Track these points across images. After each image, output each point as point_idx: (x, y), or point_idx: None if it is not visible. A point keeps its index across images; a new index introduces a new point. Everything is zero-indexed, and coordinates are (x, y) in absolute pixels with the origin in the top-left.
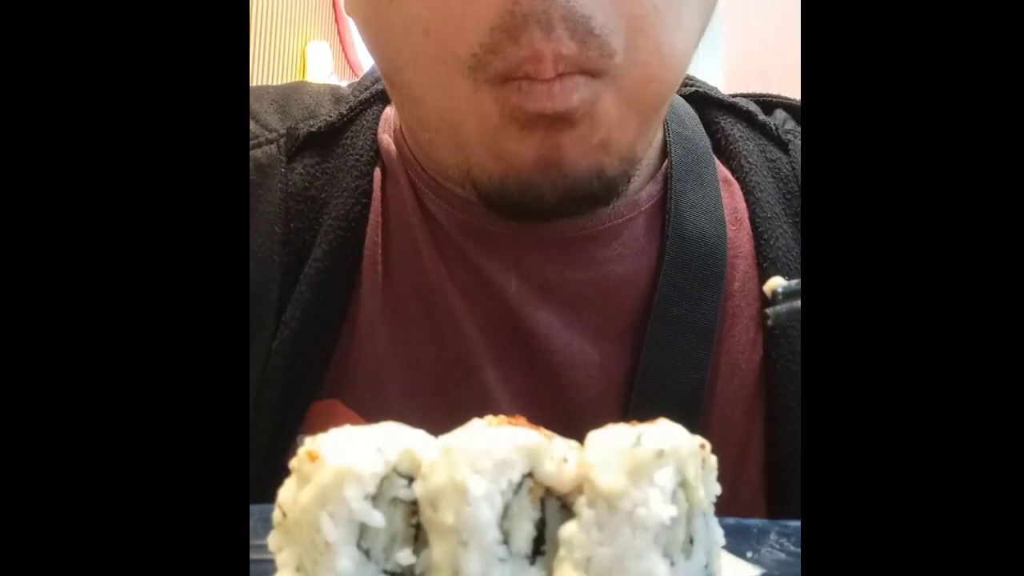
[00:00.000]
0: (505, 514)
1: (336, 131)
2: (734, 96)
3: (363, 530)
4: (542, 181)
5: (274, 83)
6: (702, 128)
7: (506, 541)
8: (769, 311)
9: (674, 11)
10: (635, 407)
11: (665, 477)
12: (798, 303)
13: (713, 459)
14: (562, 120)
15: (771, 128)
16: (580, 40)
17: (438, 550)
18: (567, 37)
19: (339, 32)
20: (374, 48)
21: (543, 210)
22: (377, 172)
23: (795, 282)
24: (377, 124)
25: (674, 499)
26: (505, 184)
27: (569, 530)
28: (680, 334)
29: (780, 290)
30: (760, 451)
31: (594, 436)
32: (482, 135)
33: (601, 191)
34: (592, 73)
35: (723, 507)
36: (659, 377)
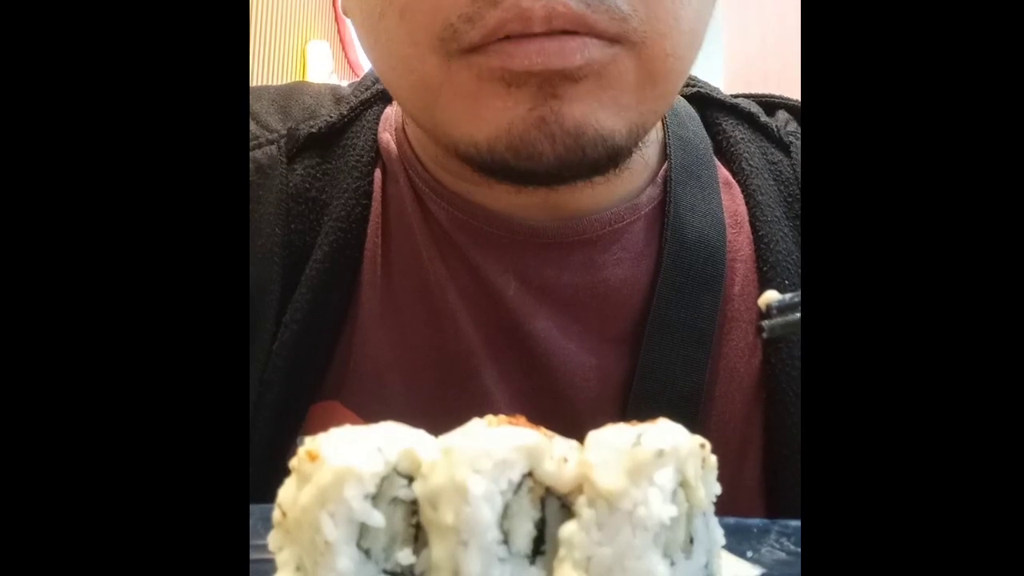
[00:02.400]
0: (505, 514)
1: (337, 131)
2: (736, 97)
3: (363, 530)
4: (537, 136)
5: (274, 83)
6: (703, 129)
7: (506, 541)
8: (764, 324)
9: None
10: (633, 410)
11: (665, 477)
12: (793, 317)
13: (713, 459)
14: (560, 77)
15: (773, 130)
16: (584, 1)
17: (438, 550)
18: None
19: (339, 31)
20: (362, 43)
21: (542, 172)
22: (378, 172)
23: (790, 296)
24: (378, 124)
25: (674, 499)
26: (495, 148)
27: (569, 530)
28: (678, 338)
29: (775, 304)
30: (758, 454)
31: (594, 436)
32: (458, 102)
33: (604, 158)
34: (604, 36)
35: (721, 510)
36: (657, 381)
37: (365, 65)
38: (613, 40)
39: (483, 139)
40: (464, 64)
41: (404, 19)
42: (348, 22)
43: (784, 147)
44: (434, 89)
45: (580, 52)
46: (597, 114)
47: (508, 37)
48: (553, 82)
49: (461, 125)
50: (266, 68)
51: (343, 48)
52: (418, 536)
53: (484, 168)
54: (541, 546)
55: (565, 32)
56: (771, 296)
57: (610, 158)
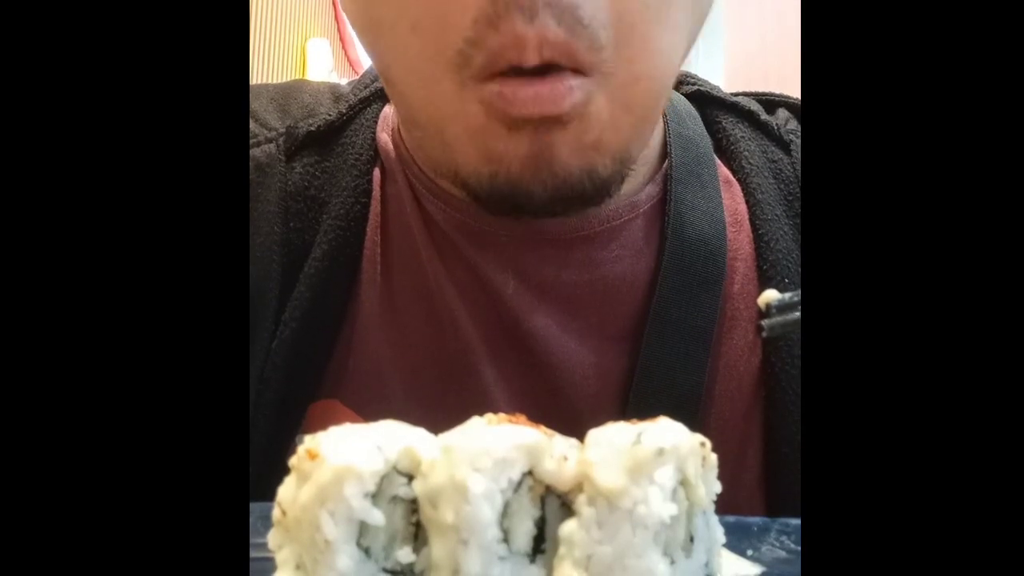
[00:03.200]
0: (505, 512)
1: (335, 130)
2: (736, 95)
3: (363, 528)
4: (532, 180)
5: (274, 80)
6: (703, 128)
7: (506, 539)
8: (764, 323)
9: (664, 8)
10: (632, 408)
11: (665, 475)
12: (792, 315)
13: (713, 457)
14: (552, 122)
15: (773, 128)
16: (568, 28)
17: (438, 548)
18: (553, 23)
19: (339, 29)
20: (366, 45)
21: (534, 208)
22: (377, 171)
23: (789, 295)
24: (376, 123)
25: (674, 497)
26: (495, 183)
27: (569, 528)
28: (678, 336)
29: (775, 303)
30: (758, 453)
31: (594, 434)
32: (468, 135)
33: (593, 191)
34: (582, 70)
35: (720, 508)
36: (657, 379)
37: (365, 63)
38: (588, 72)
39: (486, 173)
40: (475, 95)
41: (416, 34)
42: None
43: (784, 145)
44: (446, 113)
45: (567, 97)
46: (581, 155)
47: (508, 73)
48: (546, 127)
49: (467, 156)
50: (266, 66)
51: (343, 46)
52: (418, 535)
53: (480, 197)
54: (541, 545)
55: (552, 65)
56: (771, 295)
57: (598, 190)
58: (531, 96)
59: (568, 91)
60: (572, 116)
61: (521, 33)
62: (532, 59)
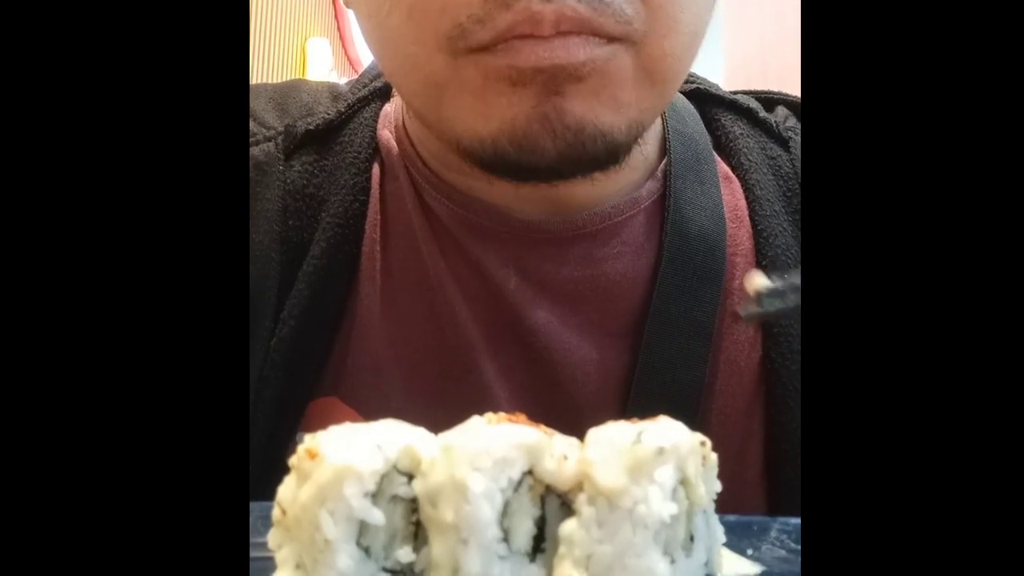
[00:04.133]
0: (505, 512)
1: (334, 129)
2: (735, 93)
3: (363, 528)
4: (541, 132)
5: (274, 80)
6: (702, 125)
7: (506, 539)
8: (748, 310)
9: None
10: (633, 404)
11: (665, 475)
12: (783, 303)
13: (713, 456)
14: (565, 75)
15: (772, 125)
16: (591, 4)
17: (438, 548)
18: (573, 1)
19: (339, 28)
20: (365, 33)
21: (544, 167)
22: (376, 169)
23: (780, 283)
24: (375, 121)
25: (674, 496)
26: (498, 144)
27: (569, 527)
28: (679, 332)
29: (764, 291)
30: (759, 449)
31: (594, 433)
32: (464, 99)
33: (604, 154)
34: (607, 36)
35: (722, 504)
36: (658, 374)
37: (365, 62)
38: (614, 39)
39: (487, 134)
40: (471, 62)
41: (411, 18)
42: (349, 19)
43: (783, 142)
44: (440, 86)
45: (583, 49)
46: (596, 111)
47: (518, 36)
48: (558, 79)
49: (466, 121)
50: (266, 65)
51: (343, 45)
52: (418, 534)
53: (487, 163)
54: (541, 544)
55: (571, 33)
56: (760, 282)
57: (609, 154)
58: (543, 46)
59: (584, 43)
60: (589, 69)
61: (537, 10)
62: (546, 30)
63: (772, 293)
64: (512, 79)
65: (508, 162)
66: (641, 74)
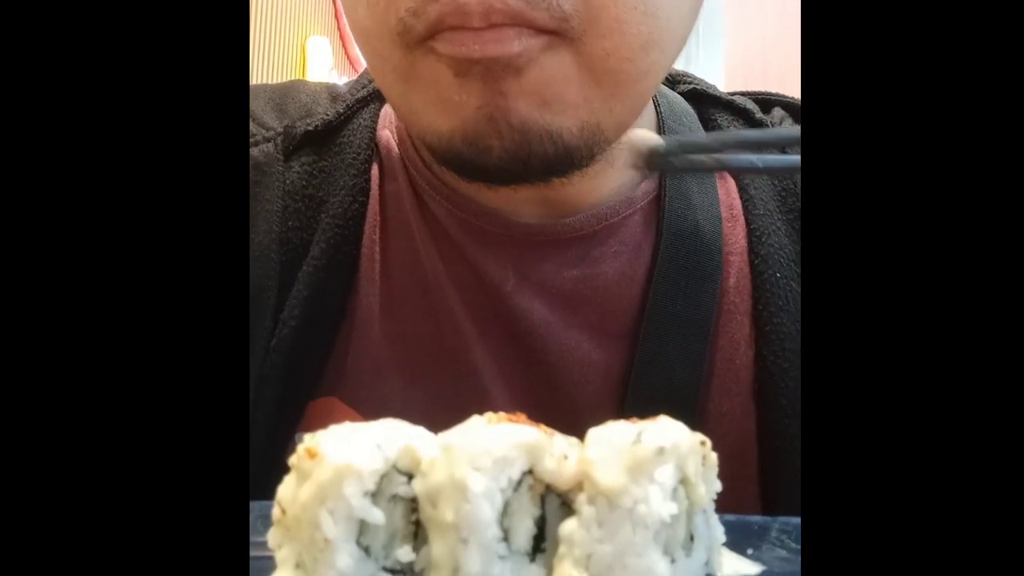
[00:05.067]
0: (505, 511)
1: (333, 129)
2: (732, 94)
3: (363, 527)
4: (487, 131)
5: (274, 79)
6: (700, 125)
7: (506, 538)
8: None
9: None
10: (631, 403)
11: (665, 474)
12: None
13: (713, 456)
14: (500, 67)
15: (767, 126)
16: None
17: (438, 547)
18: None
19: (339, 28)
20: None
21: (492, 169)
22: (375, 170)
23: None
24: (375, 122)
25: (674, 496)
26: (452, 140)
27: (569, 527)
28: (676, 330)
29: (661, 149)
30: (756, 448)
31: (594, 433)
32: (424, 93)
33: (555, 156)
34: (540, 29)
35: (720, 504)
36: (655, 373)
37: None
38: (548, 31)
39: (445, 131)
40: (421, 53)
41: (370, 11)
42: None
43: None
44: (405, 80)
45: (517, 40)
46: (542, 112)
47: (450, 28)
48: (496, 73)
49: (427, 115)
50: (266, 64)
51: (343, 44)
52: (418, 533)
53: (445, 160)
54: (541, 544)
55: (503, 25)
56: (651, 138)
57: (562, 157)
58: (472, 37)
59: (517, 34)
60: (525, 60)
61: (463, 1)
62: (476, 22)
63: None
64: (454, 70)
65: (460, 159)
66: (585, 74)
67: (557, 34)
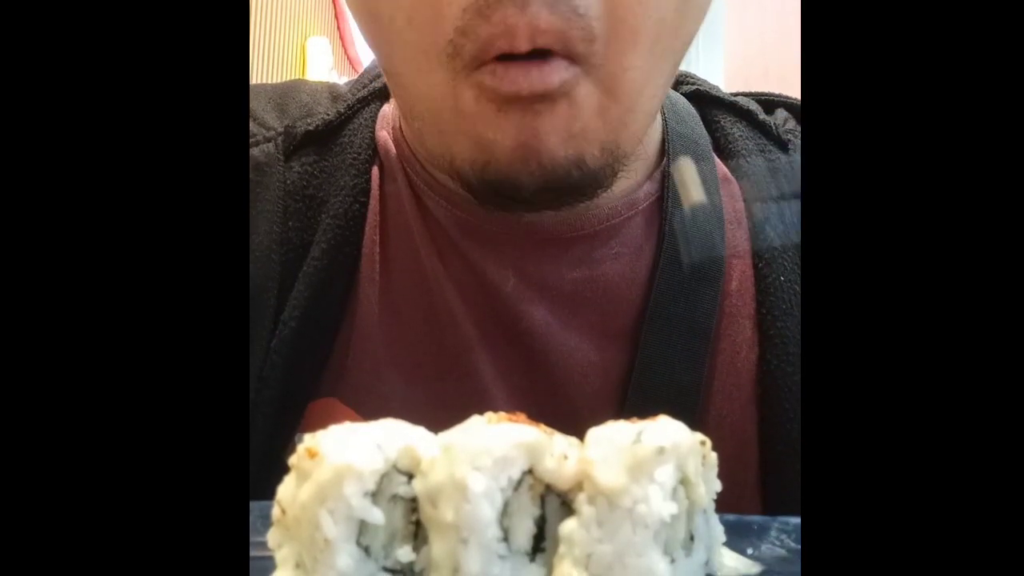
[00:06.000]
0: (505, 511)
1: (334, 129)
2: (736, 95)
3: (363, 527)
4: (520, 169)
5: (274, 79)
6: (702, 126)
7: (506, 538)
8: None
9: (654, 3)
10: (631, 405)
11: (666, 474)
12: None
13: (713, 456)
14: (540, 101)
15: (771, 127)
16: (563, 17)
17: (438, 547)
18: (547, 11)
19: (339, 28)
20: (367, 39)
21: (524, 200)
22: (375, 170)
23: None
24: (375, 122)
25: (674, 496)
26: (486, 172)
27: (569, 527)
28: (677, 333)
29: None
30: (757, 450)
31: (594, 433)
32: (461, 123)
33: (582, 182)
34: (573, 58)
35: (720, 505)
36: (656, 375)
37: (365, 61)
38: (578, 62)
39: (479, 163)
40: (467, 83)
41: (412, 26)
42: (349, 18)
43: (782, 145)
44: (440, 102)
45: (556, 73)
46: (567, 145)
47: (499, 58)
48: (534, 109)
49: (461, 147)
50: (266, 64)
51: (343, 44)
52: (418, 533)
53: (470, 188)
54: (541, 543)
55: (544, 51)
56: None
57: (587, 182)
58: (521, 72)
59: (557, 68)
60: (560, 95)
61: (512, 22)
62: (523, 46)
63: None
64: (497, 105)
65: (494, 192)
66: (604, 97)
67: (583, 62)
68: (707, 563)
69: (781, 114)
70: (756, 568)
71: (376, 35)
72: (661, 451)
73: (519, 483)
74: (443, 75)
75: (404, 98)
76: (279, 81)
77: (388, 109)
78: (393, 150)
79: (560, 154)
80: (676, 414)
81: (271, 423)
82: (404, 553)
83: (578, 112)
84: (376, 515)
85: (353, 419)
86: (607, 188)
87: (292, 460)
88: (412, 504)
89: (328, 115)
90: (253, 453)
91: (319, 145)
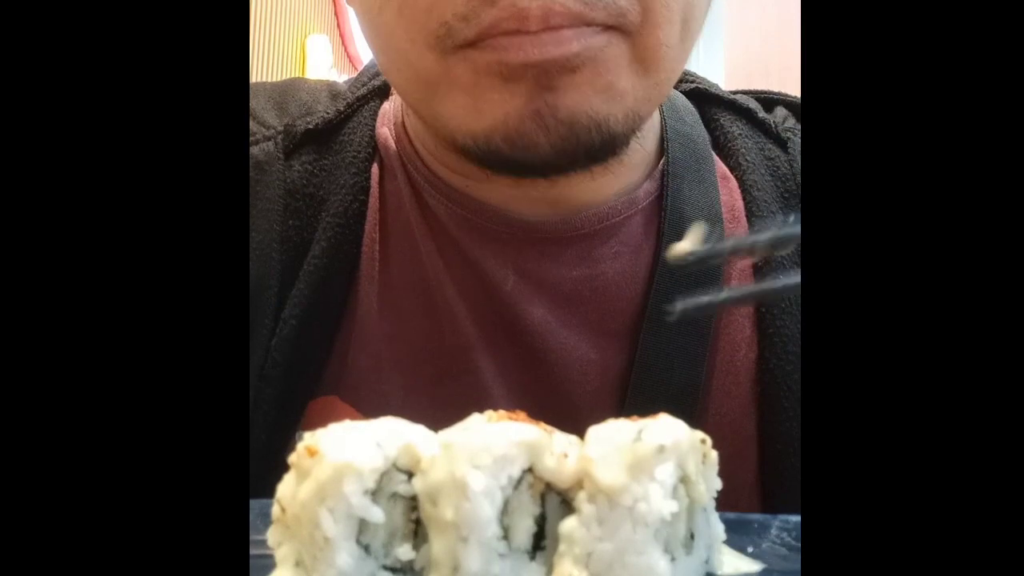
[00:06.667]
0: (505, 509)
1: (333, 128)
2: (735, 93)
3: (362, 525)
4: (535, 129)
5: (274, 77)
6: (701, 124)
7: (506, 536)
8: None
9: None
10: (631, 403)
11: (666, 472)
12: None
13: (714, 454)
14: (557, 67)
15: (770, 126)
16: (584, 1)
17: (438, 545)
18: None
19: (339, 26)
20: (363, 34)
21: (539, 163)
22: (375, 168)
23: (703, 246)
24: (374, 120)
25: (675, 494)
26: (491, 140)
27: (569, 525)
28: (676, 331)
29: (690, 256)
30: (756, 448)
31: (594, 431)
32: (456, 96)
33: (601, 145)
34: (601, 26)
35: (719, 504)
36: (655, 374)
37: (365, 59)
38: (609, 27)
39: (480, 131)
40: (460, 59)
41: (402, 15)
42: (348, 16)
43: (781, 143)
44: (432, 84)
45: (576, 40)
46: (591, 100)
47: (503, 33)
48: (551, 74)
49: (459, 118)
50: (266, 62)
51: (343, 42)
52: (418, 532)
53: (481, 160)
54: (541, 542)
55: (561, 27)
56: (682, 248)
57: (606, 145)
58: (531, 41)
59: (577, 35)
60: (583, 59)
61: (522, 6)
62: (533, 26)
63: (692, 257)
64: (503, 75)
65: (502, 158)
66: (637, 62)
67: (615, 28)
68: (707, 561)
69: (780, 112)
70: (756, 566)
71: (369, 29)
72: (661, 449)
73: (519, 481)
74: (431, 57)
75: (397, 87)
76: (279, 79)
77: (388, 107)
78: (393, 147)
79: (582, 112)
80: (675, 412)
81: (271, 421)
82: (404, 551)
83: (605, 68)
84: (376, 513)
85: (353, 417)
86: (620, 156)
87: (292, 458)
88: (412, 502)
89: (328, 113)
90: (253, 451)
91: (319, 143)
